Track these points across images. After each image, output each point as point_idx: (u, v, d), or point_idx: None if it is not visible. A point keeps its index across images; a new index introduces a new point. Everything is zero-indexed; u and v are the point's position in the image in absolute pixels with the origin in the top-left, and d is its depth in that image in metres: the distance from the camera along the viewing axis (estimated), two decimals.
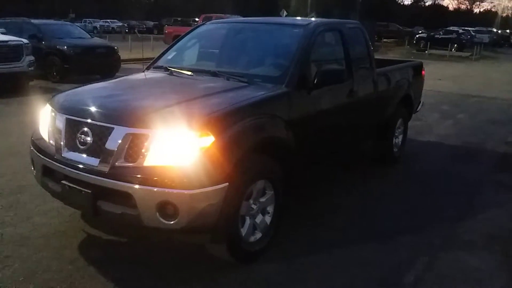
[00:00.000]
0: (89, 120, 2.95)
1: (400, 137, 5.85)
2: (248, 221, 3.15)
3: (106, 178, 2.78)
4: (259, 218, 3.25)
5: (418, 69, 6.34)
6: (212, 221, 2.79)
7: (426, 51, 28.58)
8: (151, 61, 4.50)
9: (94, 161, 2.86)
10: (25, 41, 10.56)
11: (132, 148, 2.77)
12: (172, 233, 2.80)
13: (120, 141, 2.78)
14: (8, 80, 10.04)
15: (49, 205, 3.89)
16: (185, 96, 3.24)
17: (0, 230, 3.52)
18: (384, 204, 4.39)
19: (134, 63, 15.29)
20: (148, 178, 2.68)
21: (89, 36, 14.02)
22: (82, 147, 2.95)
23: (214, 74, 3.77)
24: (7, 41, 10.19)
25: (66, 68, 11.68)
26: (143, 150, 2.75)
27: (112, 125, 2.84)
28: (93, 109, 3.02)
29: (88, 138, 2.92)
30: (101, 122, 2.90)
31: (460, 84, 14.38)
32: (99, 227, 3.57)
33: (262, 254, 3.26)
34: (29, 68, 10.41)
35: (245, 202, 3.05)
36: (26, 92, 9.69)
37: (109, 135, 2.82)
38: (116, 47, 13.12)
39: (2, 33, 10.97)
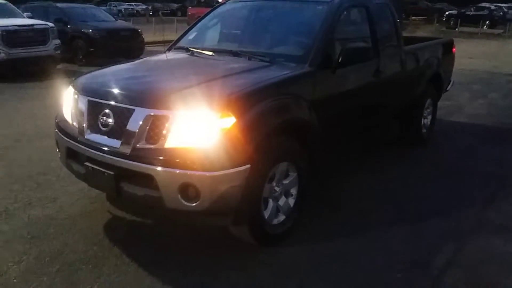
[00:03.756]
0: (110, 102, 2.94)
1: (429, 117, 5.67)
2: (271, 203, 3.10)
3: (127, 160, 2.77)
4: (282, 201, 3.20)
5: (448, 46, 6.10)
6: (234, 203, 2.75)
7: (457, 29, 27.67)
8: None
9: (115, 143, 2.85)
10: (51, 24, 10.69)
11: (153, 129, 2.75)
12: (194, 215, 2.77)
13: (141, 123, 2.75)
14: (35, 64, 10.23)
15: (75, 187, 3.94)
16: (206, 77, 3.18)
17: (27, 211, 3.58)
18: (411, 187, 4.27)
19: (158, 45, 15.30)
20: (170, 160, 2.65)
21: (114, 19, 14.09)
22: (104, 129, 2.94)
23: (236, 54, 3.70)
24: (33, 25, 10.33)
25: (91, 51, 11.79)
26: (164, 132, 2.72)
27: (132, 107, 2.82)
28: (114, 90, 3.00)
29: (110, 120, 2.91)
30: (122, 103, 2.88)
31: (492, 62, 13.86)
32: (124, 209, 3.59)
33: (286, 237, 3.22)
34: (56, 52, 10.54)
35: (267, 184, 3.00)
36: (53, 75, 9.82)
37: (130, 117, 2.80)
38: (140, 30, 13.15)
39: (29, 17, 11.13)
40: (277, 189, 3.12)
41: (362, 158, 4.97)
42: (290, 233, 3.25)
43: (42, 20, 10.96)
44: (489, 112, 7.41)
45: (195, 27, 4.50)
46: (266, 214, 3.06)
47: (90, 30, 12.00)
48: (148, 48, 13.50)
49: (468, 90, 9.22)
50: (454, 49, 6.26)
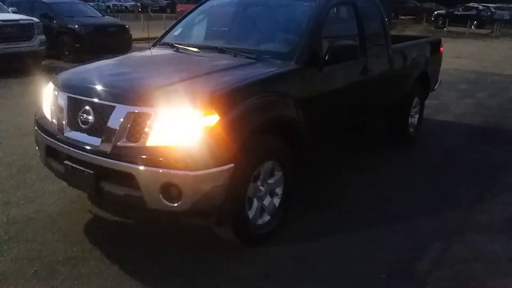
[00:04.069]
0: (90, 99, 2.85)
1: (416, 116, 5.66)
2: (255, 203, 3.05)
3: (108, 158, 2.69)
4: (267, 200, 3.14)
5: (436, 45, 6.09)
6: (217, 203, 2.69)
7: (445, 28, 27.84)
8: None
9: (96, 141, 2.77)
10: (36, 20, 10.47)
11: (134, 127, 2.67)
12: (176, 215, 2.71)
13: (121, 120, 2.68)
14: (20, 60, 10.01)
15: (56, 186, 3.84)
16: (190, 74, 3.10)
17: (6, 211, 3.48)
18: (397, 186, 4.25)
19: (146, 42, 15.11)
20: (151, 159, 2.58)
21: (101, 15, 13.88)
22: (84, 126, 2.86)
23: (221, 50, 3.63)
24: (18, 20, 10.11)
25: (77, 48, 11.60)
26: (145, 130, 2.64)
27: (113, 104, 2.74)
28: (94, 87, 2.91)
29: (90, 117, 2.83)
30: (102, 100, 2.80)
31: (479, 62, 13.95)
32: (105, 208, 3.51)
33: (271, 237, 3.17)
34: (41, 48, 10.33)
35: (252, 183, 2.94)
36: (38, 71, 9.64)
37: (111, 114, 2.72)
38: (127, 26, 12.98)
39: (14, 12, 10.91)
40: (262, 188, 3.07)
41: (349, 157, 4.95)
42: (275, 233, 3.20)
43: (27, 15, 10.74)
44: (476, 112, 7.43)
45: (180, 23, 4.43)
46: (251, 214, 3.00)
47: (76, 26, 11.80)
48: (136, 44, 13.33)
49: (456, 89, 9.25)
50: (441, 48, 6.25)
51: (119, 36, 12.45)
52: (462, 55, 15.02)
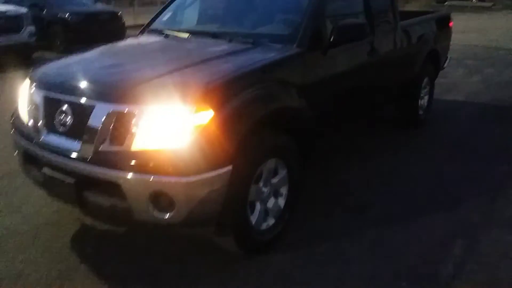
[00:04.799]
0: (67, 97, 2.52)
1: (426, 97, 5.30)
2: (258, 206, 2.73)
3: (89, 165, 2.37)
4: (271, 202, 2.83)
5: (445, 21, 5.70)
6: (215, 211, 2.38)
7: (446, 3, 27.12)
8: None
9: (75, 145, 2.44)
10: (25, 10, 10.07)
11: (118, 129, 2.34)
12: (170, 227, 2.39)
13: (102, 121, 2.34)
14: (9, 53, 9.64)
15: (42, 192, 3.50)
16: (179, 64, 2.74)
17: None
18: (410, 176, 3.91)
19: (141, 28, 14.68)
20: (138, 164, 2.26)
21: (92, 3, 13.43)
22: (62, 129, 2.53)
23: (214, 35, 3.28)
24: (5, 12, 9.71)
25: (69, 37, 11.20)
26: (130, 131, 2.31)
27: (92, 102, 2.41)
28: (71, 83, 2.58)
29: (68, 118, 2.50)
30: (80, 98, 2.47)
31: (484, 36, 13.47)
32: (94, 217, 3.18)
33: (276, 242, 2.86)
34: (31, 39, 9.97)
35: (254, 185, 2.62)
36: (29, 64, 9.25)
37: (90, 114, 2.39)
38: (120, 13, 12.55)
39: (2, 3, 10.50)
40: (265, 190, 2.75)
41: (357, 145, 4.60)
42: (280, 238, 2.89)
43: (17, 5, 10.33)
44: (487, 89, 7.06)
45: (170, 7, 4.04)
46: (253, 219, 2.68)
47: (67, 15, 11.37)
48: (130, 32, 12.88)
49: (463, 66, 8.86)
50: (451, 23, 5.86)
51: (112, 24, 12.02)
52: (466, 30, 14.51)
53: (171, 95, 2.32)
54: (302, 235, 3.00)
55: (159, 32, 3.60)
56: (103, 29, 11.55)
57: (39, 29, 10.23)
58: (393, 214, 3.28)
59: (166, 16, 3.94)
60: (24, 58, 9.74)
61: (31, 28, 9.96)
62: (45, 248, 2.87)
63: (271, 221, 2.83)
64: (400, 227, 3.10)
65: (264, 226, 2.79)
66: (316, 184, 3.68)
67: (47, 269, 2.66)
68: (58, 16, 11.44)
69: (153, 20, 3.94)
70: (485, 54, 10.37)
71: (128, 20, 13.84)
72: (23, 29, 9.83)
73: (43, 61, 3.32)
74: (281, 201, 2.90)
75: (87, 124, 2.39)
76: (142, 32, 3.82)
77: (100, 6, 13.82)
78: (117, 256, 2.80)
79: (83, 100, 2.45)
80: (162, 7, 4.05)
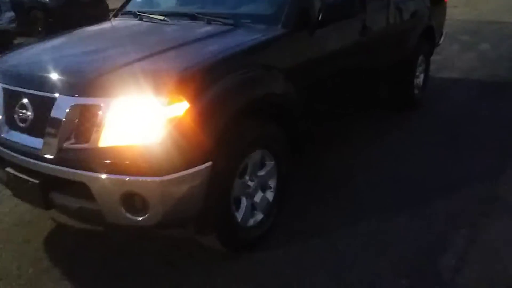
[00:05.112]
0: (26, 90, 2.27)
1: (421, 76, 5.06)
2: (244, 202, 2.52)
3: (53, 164, 2.14)
4: (258, 196, 2.61)
5: None
6: (195, 211, 2.17)
7: None
8: None
9: (37, 143, 2.21)
10: None
11: (83, 124, 2.10)
12: (145, 230, 2.18)
13: (65, 116, 2.11)
14: None
15: None
16: (151, 50, 2.47)
17: None
18: (406, 163, 3.68)
19: None
20: (106, 163, 2.04)
21: None
22: (23, 125, 2.29)
23: (192, 17, 3.00)
24: None
25: (50, 22, 10.83)
26: (96, 127, 2.07)
27: (54, 95, 2.16)
28: (30, 74, 2.34)
29: (29, 113, 2.26)
30: (40, 91, 2.22)
31: (477, 10, 13.18)
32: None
33: (264, 239, 2.66)
34: (10, 25, 9.63)
35: (238, 180, 2.41)
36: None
37: (52, 108, 2.15)
38: None
39: None
40: (251, 184, 2.53)
41: (350, 130, 4.38)
42: (269, 235, 2.69)
43: None
44: (482, 65, 6.83)
45: None
46: (239, 216, 2.48)
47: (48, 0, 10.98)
48: None
49: (457, 41, 8.61)
50: None
51: (94, 7, 11.64)
52: (458, 4, 14.19)
53: (141, 85, 2.08)
54: (294, 229, 2.81)
55: (133, 14, 3.32)
56: (85, 14, 11.16)
57: (19, 14, 9.87)
58: (389, 204, 3.08)
59: None
60: (4, 45, 9.38)
61: (10, 14, 9.61)
62: (16, 251, 2.67)
63: (259, 216, 2.63)
64: (397, 218, 2.91)
65: (251, 222, 2.59)
66: (305, 174, 3.47)
67: (17, 275, 2.46)
68: (39, 0, 11.03)
69: (127, 1, 3.66)
70: (478, 28, 10.10)
71: (115, 3, 13.40)
72: (1, 15, 9.47)
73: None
74: (270, 195, 2.70)
75: (49, 119, 2.15)
76: (115, 15, 3.54)
77: None
78: (94, 257, 2.60)
79: (43, 93, 2.20)
80: None
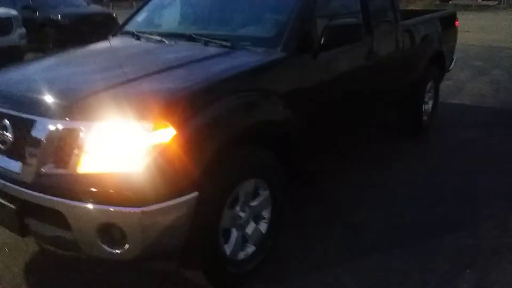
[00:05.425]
0: (6, 110, 2.16)
1: (430, 102, 4.92)
2: (235, 233, 2.36)
3: (29, 189, 2.01)
4: (250, 228, 2.45)
5: (450, 20, 5.32)
6: (178, 244, 2.02)
7: (451, 1, 26.68)
8: None
9: (15, 166, 2.09)
10: (14, 12, 9.78)
11: (62, 148, 1.97)
12: (124, 263, 2.03)
13: (44, 139, 1.99)
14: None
15: None
16: (141, 71, 2.36)
17: None
18: (413, 191, 3.52)
19: None
20: (83, 191, 1.90)
21: (85, 4, 13.11)
22: (2, 146, 2.17)
23: (190, 38, 2.90)
24: None
25: (62, 39, 10.90)
26: (76, 152, 1.95)
27: (33, 117, 2.05)
28: (12, 95, 2.23)
29: (9, 135, 2.14)
30: (21, 112, 2.11)
31: (490, 35, 13.07)
32: None
33: (256, 274, 2.49)
34: (21, 42, 9.70)
35: (228, 211, 2.26)
36: None
37: (31, 131, 2.04)
38: (115, 15, 12.24)
39: None
40: (242, 215, 2.38)
41: (351, 157, 4.20)
42: (262, 268, 2.52)
43: (7, 8, 10.05)
44: (495, 92, 6.67)
45: (146, 6, 3.67)
46: (228, 249, 2.32)
47: (60, 17, 11.09)
48: None
49: (469, 66, 8.48)
50: (457, 23, 5.48)
51: (106, 26, 11.66)
52: (471, 29, 14.10)
53: (125, 109, 1.96)
54: (290, 264, 2.63)
55: (131, 34, 3.23)
56: (97, 31, 11.22)
57: (31, 31, 9.96)
58: (393, 236, 2.90)
59: (141, 16, 3.57)
60: (16, 61, 9.43)
61: (21, 31, 9.69)
62: None
63: (250, 249, 2.46)
64: (400, 252, 2.72)
65: (242, 255, 2.42)
66: (302, 202, 3.30)
67: None
68: (50, 17, 11.15)
69: (127, 21, 3.58)
70: (491, 54, 9.98)
71: None
72: (13, 32, 9.55)
73: None
74: (263, 226, 2.53)
75: (28, 142, 2.04)
76: (115, 34, 3.45)
77: (94, 8, 13.49)
78: (77, 285, 2.44)
79: (23, 114, 2.09)
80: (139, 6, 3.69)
